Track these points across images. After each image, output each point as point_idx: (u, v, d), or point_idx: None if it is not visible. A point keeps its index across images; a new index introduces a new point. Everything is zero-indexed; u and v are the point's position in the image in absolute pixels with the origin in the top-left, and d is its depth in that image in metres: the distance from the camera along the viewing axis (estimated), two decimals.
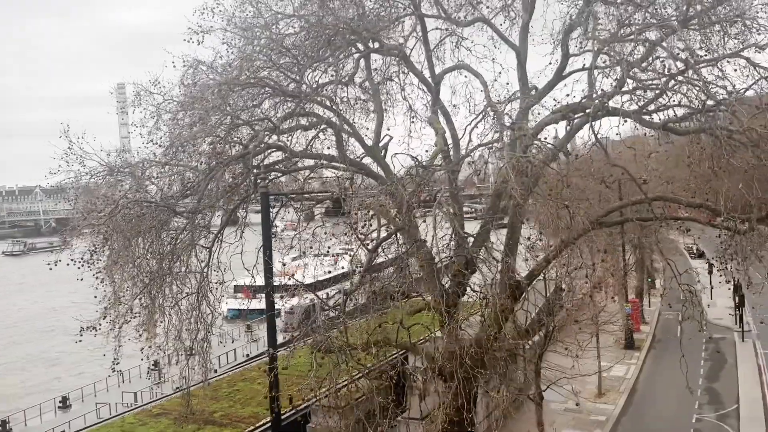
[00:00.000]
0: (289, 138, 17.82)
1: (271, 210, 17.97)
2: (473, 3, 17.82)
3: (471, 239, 16.30)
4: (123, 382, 34.59)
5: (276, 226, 20.00)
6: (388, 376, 15.74)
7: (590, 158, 16.36)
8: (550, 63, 17.21)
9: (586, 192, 17.81)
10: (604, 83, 16.11)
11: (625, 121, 15.41)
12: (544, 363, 26.64)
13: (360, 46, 18.12)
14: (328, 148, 17.39)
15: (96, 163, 16.42)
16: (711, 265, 38.89)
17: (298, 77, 16.81)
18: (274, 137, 17.05)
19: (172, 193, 16.62)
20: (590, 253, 16.72)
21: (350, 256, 16.20)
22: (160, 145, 16.19)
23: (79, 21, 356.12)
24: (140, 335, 16.13)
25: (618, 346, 40.55)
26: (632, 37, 16.14)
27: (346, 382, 15.43)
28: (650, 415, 31.52)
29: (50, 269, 15.33)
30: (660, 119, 16.01)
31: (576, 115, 16.35)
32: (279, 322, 32.26)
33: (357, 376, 15.53)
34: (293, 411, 23.82)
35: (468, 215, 19.35)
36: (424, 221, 14.08)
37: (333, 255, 17.93)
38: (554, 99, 16.91)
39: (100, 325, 15.72)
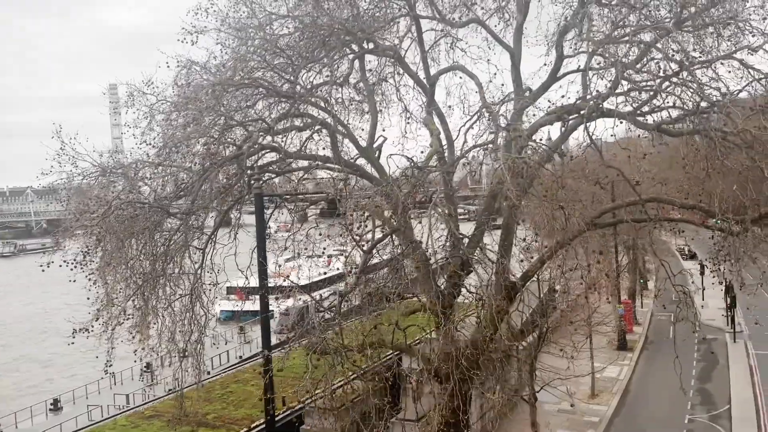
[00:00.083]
0: (284, 139, 17.76)
1: (265, 211, 17.91)
2: (468, 4, 17.81)
3: (466, 240, 16.27)
4: (115, 384, 34.44)
5: (269, 227, 19.94)
6: (384, 378, 15.69)
7: (585, 159, 16.36)
8: (546, 64, 17.23)
9: (579, 193, 17.85)
10: (598, 84, 16.13)
11: (621, 122, 15.42)
12: (538, 364, 26.70)
13: (354, 47, 18.08)
14: (324, 148, 17.34)
15: (88, 163, 16.34)
16: (703, 266, 39.18)
17: (292, 78, 16.76)
18: (269, 138, 16.98)
19: (165, 194, 16.52)
20: (585, 254, 16.74)
21: (345, 257, 16.12)
22: (153, 146, 16.09)
23: (79, 21, 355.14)
24: (133, 337, 16.03)
25: (611, 347, 40.74)
26: (627, 38, 16.16)
27: (341, 384, 15.38)
28: (643, 415, 31.65)
29: (43, 271, 15.22)
30: (654, 121, 16.04)
31: (570, 117, 16.36)
32: (272, 324, 32.21)
33: (352, 377, 15.49)
34: (288, 412, 23.76)
35: (461, 216, 19.34)
36: (420, 222, 14.04)
37: (328, 256, 17.87)
38: (549, 100, 16.94)
39: (92, 327, 15.61)
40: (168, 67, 16.44)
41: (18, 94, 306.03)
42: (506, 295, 15.60)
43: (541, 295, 27.49)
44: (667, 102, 15.48)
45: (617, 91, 15.63)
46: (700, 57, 15.01)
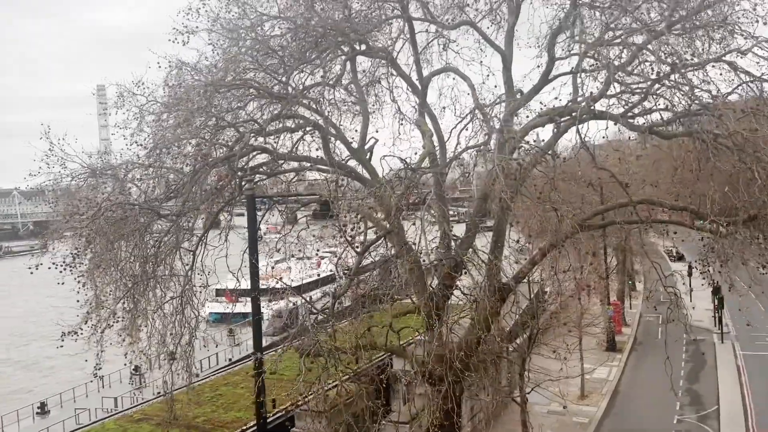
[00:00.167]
0: (275, 140, 17.69)
1: (257, 213, 17.82)
2: (460, 6, 17.83)
3: (458, 242, 16.28)
4: (103, 387, 34.11)
5: (259, 229, 19.84)
6: (377, 380, 15.65)
7: (577, 161, 16.40)
8: (539, 66, 17.25)
9: (568, 195, 17.91)
10: (590, 86, 16.18)
11: (615, 125, 15.48)
12: (528, 365, 26.71)
13: (345, 49, 18.04)
14: (317, 149, 17.27)
15: (77, 165, 16.19)
16: (691, 268, 39.49)
17: (284, 79, 16.69)
18: (260, 139, 16.90)
19: (155, 195, 16.41)
20: (578, 255, 16.79)
21: (337, 258, 16.07)
22: (144, 147, 15.96)
23: (79, 22, 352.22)
24: (123, 340, 15.90)
25: (600, 349, 40.89)
26: (618, 41, 16.24)
27: (332, 386, 15.31)
28: (632, 416, 31.77)
29: (31, 273, 15.04)
30: (645, 122, 16.12)
31: (562, 119, 16.41)
32: (263, 326, 32.05)
33: (344, 379, 15.42)
34: (279, 415, 23.65)
35: (451, 218, 19.36)
36: (414, 224, 14.02)
37: (320, 257, 17.82)
38: (541, 102, 16.98)
39: (81, 330, 15.46)
40: (159, 67, 16.33)
41: (18, 94, 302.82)
42: (500, 296, 15.61)
43: (532, 297, 27.55)
44: (659, 104, 15.56)
45: (609, 93, 15.68)
46: (691, 60, 15.08)
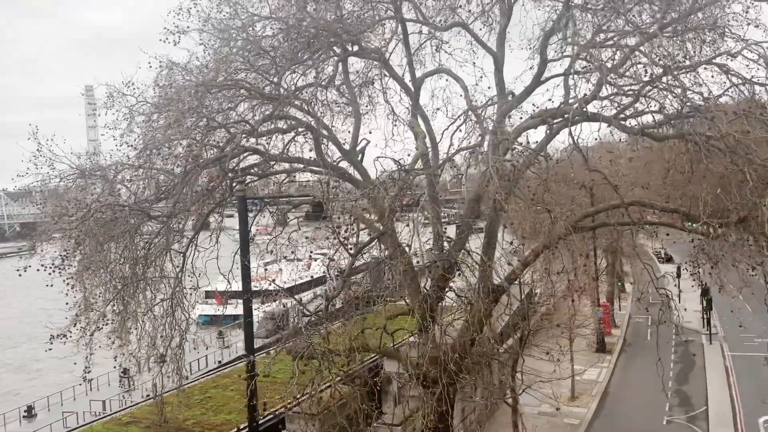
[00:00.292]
0: (268, 141, 17.59)
1: (249, 215, 17.71)
2: (453, 7, 17.82)
3: (451, 243, 16.26)
4: (91, 389, 33.78)
5: (249, 231, 19.71)
6: (372, 382, 15.58)
7: (570, 163, 16.44)
8: (532, 68, 17.29)
9: (559, 196, 17.91)
10: (582, 88, 16.22)
11: (608, 127, 15.52)
12: (519, 367, 26.73)
13: (337, 50, 17.99)
14: (310, 150, 17.19)
15: (66, 165, 16.02)
16: (680, 269, 39.75)
17: (275, 80, 16.60)
18: (252, 140, 16.81)
19: (146, 196, 16.27)
20: (572, 257, 16.81)
21: (329, 259, 15.98)
22: (134, 147, 15.81)
23: (79, 22, 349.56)
24: (113, 342, 15.75)
25: (590, 350, 41.03)
26: (610, 43, 16.29)
27: (326, 386, 15.23)
28: (622, 417, 31.90)
29: (20, 275, 14.85)
30: (638, 124, 16.17)
31: (555, 120, 16.43)
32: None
33: (336, 381, 15.34)
34: (269, 417, 23.51)
35: (442, 220, 19.36)
36: (407, 225, 13.98)
37: (313, 258, 17.73)
38: (533, 104, 16.99)
39: (70, 332, 15.29)
40: (150, 67, 16.19)
41: (18, 94, 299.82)
42: (494, 298, 15.60)
43: (523, 298, 27.58)
44: (652, 106, 15.62)
45: (601, 95, 15.73)
46: (682, 62, 15.15)
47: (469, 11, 17.83)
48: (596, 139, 15.53)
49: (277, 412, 23.33)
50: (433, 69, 18.57)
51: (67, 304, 15.39)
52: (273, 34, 17.03)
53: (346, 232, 13.87)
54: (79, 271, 15.46)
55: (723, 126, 13.48)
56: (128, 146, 15.80)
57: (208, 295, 46.89)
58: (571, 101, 16.73)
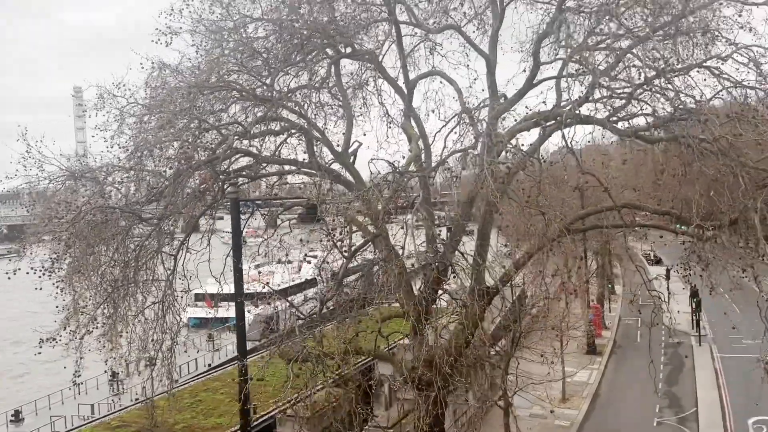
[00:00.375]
0: (260, 143, 17.52)
1: (242, 217, 17.62)
2: (445, 10, 17.83)
3: (442, 246, 16.25)
4: (79, 393, 33.48)
5: (241, 233, 19.61)
6: (366, 385, 15.52)
7: (564, 165, 16.49)
8: (525, 70, 17.31)
9: (550, 198, 17.94)
10: (576, 91, 16.27)
11: (600, 130, 15.56)
12: (511, 369, 26.74)
13: (330, 52, 17.95)
14: (304, 152, 17.13)
15: (55, 167, 15.86)
16: (669, 272, 39.93)
17: (268, 81, 16.54)
18: (245, 142, 16.73)
19: (136, 198, 16.14)
20: (566, 259, 16.82)
21: (321, 261, 15.92)
22: (125, 149, 15.68)
23: (79, 22, 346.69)
24: (103, 346, 15.62)
25: (581, 352, 41.12)
26: (603, 45, 16.35)
27: (319, 388, 15.15)
28: (613, 419, 31.98)
29: (9, 278, 14.67)
30: (629, 127, 16.24)
31: (548, 123, 16.46)
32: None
33: (331, 383, 15.27)
34: (260, 420, 23.40)
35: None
36: (402, 227, 13.95)
37: (306, 260, 17.67)
38: (526, 107, 17.03)
39: (60, 336, 15.14)
40: (142, 68, 16.08)
41: (18, 94, 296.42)
42: (489, 300, 15.60)
43: (514, 299, 27.59)
44: (645, 109, 15.68)
45: (594, 97, 15.78)
46: (677, 64, 15.22)
47: (464, 14, 17.83)
48: (589, 141, 15.56)
49: (269, 414, 23.23)
50: (426, 71, 18.57)
51: (57, 307, 15.23)
52: (265, 36, 16.97)
53: (340, 234, 13.81)
54: (69, 274, 15.31)
55: (716, 129, 13.55)
56: (119, 148, 15.65)
57: (198, 297, 46.68)
58: (563, 104, 16.79)
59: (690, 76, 15.15)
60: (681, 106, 14.67)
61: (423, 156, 17.95)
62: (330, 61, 17.91)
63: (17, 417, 32.70)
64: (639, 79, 15.32)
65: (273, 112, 16.60)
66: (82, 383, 32.15)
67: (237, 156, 17.51)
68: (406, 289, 15.31)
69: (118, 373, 31.70)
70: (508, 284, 21.10)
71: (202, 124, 15.90)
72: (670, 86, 14.78)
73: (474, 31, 18.22)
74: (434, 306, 15.97)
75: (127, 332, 16.10)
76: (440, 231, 16.69)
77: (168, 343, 16.71)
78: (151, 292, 16.48)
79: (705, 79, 15.07)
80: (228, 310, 33.62)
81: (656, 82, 15.22)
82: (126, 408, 28.76)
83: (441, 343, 14.58)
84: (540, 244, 14.64)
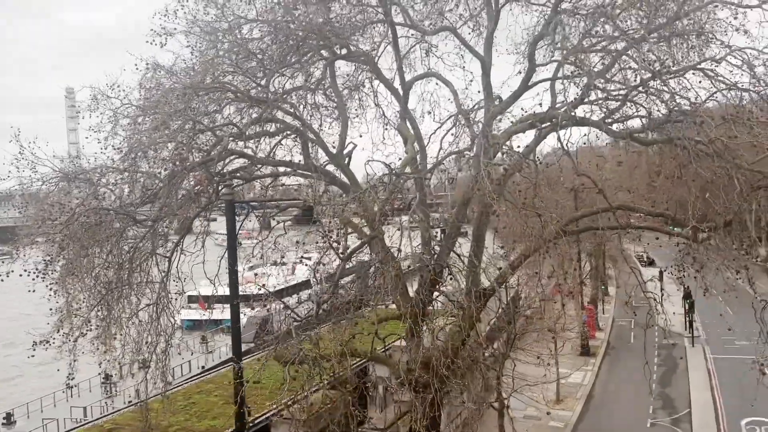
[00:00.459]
0: (255, 144, 17.48)
1: (237, 219, 17.56)
2: (441, 11, 17.83)
3: (439, 247, 16.25)
4: (72, 396, 33.28)
5: (237, 235, 19.55)
6: (361, 387, 15.48)
7: (559, 167, 16.52)
8: (520, 72, 17.32)
9: (545, 200, 17.97)
10: (571, 93, 16.28)
11: (596, 131, 15.59)
12: (505, 370, 26.75)
13: (325, 53, 17.92)
14: (299, 153, 17.10)
15: (48, 169, 15.77)
16: (662, 273, 40.11)
17: (263, 82, 16.49)
18: (240, 143, 16.68)
19: (131, 200, 16.06)
20: (562, 260, 16.84)
21: (317, 263, 15.85)
22: (119, 150, 15.60)
23: (79, 22, 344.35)
24: (97, 348, 15.53)
25: (574, 353, 41.20)
26: (598, 47, 16.38)
27: (315, 390, 15.09)
28: (607, 420, 32.06)
29: (2, 281, 14.57)
30: (624, 129, 16.27)
31: (543, 125, 16.48)
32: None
33: (324, 386, 15.22)
34: (253, 423, 23.29)
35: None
36: (398, 229, 13.93)
37: (301, 261, 17.60)
38: (522, 108, 17.04)
39: (54, 339, 15.03)
40: (137, 69, 16.01)
41: (18, 93, 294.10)
42: (485, 302, 15.59)
43: (508, 301, 27.61)
44: (640, 111, 15.71)
45: (590, 99, 15.80)
46: (670, 67, 15.25)
47: (459, 15, 17.83)
48: (584, 143, 15.58)
49: (262, 418, 23.12)
50: (422, 73, 18.57)
51: (51, 309, 15.13)
52: (260, 37, 16.92)
53: (337, 236, 13.78)
54: (62, 276, 15.22)
55: (711, 131, 13.59)
56: (114, 149, 15.57)
57: (191, 299, 46.50)
58: (558, 105, 16.80)
59: (685, 78, 15.17)
60: (676, 108, 14.69)
61: (419, 158, 17.95)
62: (325, 62, 17.88)
63: (9, 420, 32.48)
64: (634, 81, 15.33)
65: (268, 113, 16.54)
66: (75, 386, 32.02)
67: (232, 157, 17.46)
68: (402, 291, 15.29)
69: (111, 376, 31.54)
70: (503, 286, 21.14)
71: (196, 126, 15.84)
72: (665, 88, 14.80)
73: (469, 33, 18.25)
74: (430, 308, 15.95)
75: (121, 335, 16.00)
76: (435, 233, 16.64)
77: (162, 345, 16.62)
78: (145, 294, 16.39)
79: (700, 81, 15.10)
80: (223, 312, 33.45)
81: (651, 83, 15.25)
82: (119, 410, 28.53)
83: (437, 345, 14.56)
84: (536, 246, 14.64)
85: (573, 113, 15.46)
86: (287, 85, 17.53)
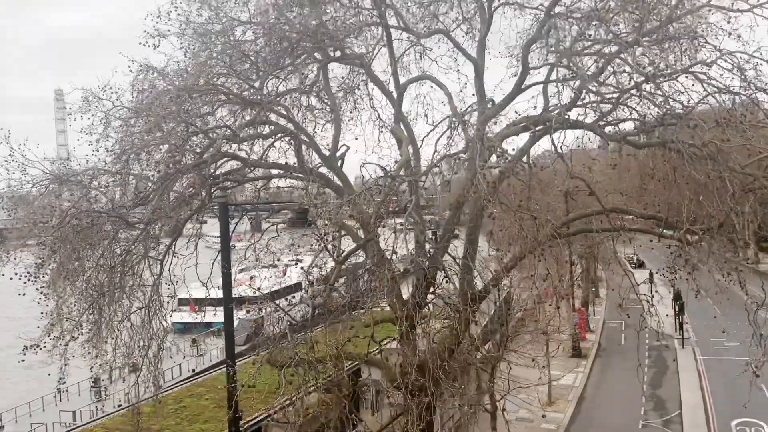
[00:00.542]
0: (249, 146, 17.40)
1: (230, 222, 17.49)
2: (435, 14, 17.86)
3: (433, 250, 16.24)
4: (61, 400, 32.99)
5: (230, 238, 19.46)
6: (356, 390, 15.42)
7: (553, 170, 16.56)
8: (515, 74, 17.37)
9: (538, 202, 18.01)
10: (565, 96, 16.34)
11: (587, 134, 15.64)
12: (498, 372, 26.77)
13: (318, 56, 17.88)
14: (293, 156, 17.04)
15: (39, 171, 15.63)
16: (652, 275, 40.32)
17: (257, 84, 16.43)
18: (234, 146, 16.60)
19: (123, 202, 15.94)
20: (556, 262, 16.86)
21: (310, 266, 15.80)
22: (112, 152, 15.49)
23: (80, 22, 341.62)
24: (88, 352, 15.39)
25: (566, 355, 41.30)
26: (592, 50, 16.43)
27: (310, 391, 15.04)
28: (598, 422, 32.13)
29: None
30: (618, 131, 16.34)
31: (537, 127, 16.52)
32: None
33: (318, 389, 15.15)
34: (246, 427, 23.18)
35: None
36: (394, 232, 13.91)
37: (295, 263, 17.54)
38: (515, 111, 17.07)
39: (44, 342, 14.89)
40: (130, 71, 15.90)
41: (18, 93, 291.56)
42: (479, 304, 15.59)
43: (500, 302, 27.65)
44: (633, 114, 15.78)
45: (583, 102, 15.85)
46: (666, 70, 15.33)
47: (455, 18, 17.86)
48: (578, 146, 15.64)
49: (254, 422, 23.01)
50: (416, 76, 18.59)
51: (42, 313, 14.98)
52: (254, 39, 16.87)
53: (333, 239, 13.73)
54: (53, 279, 15.08)
55: (705, 134, 13.67)
56: (107, 151, 15.46)
57: (181, 302, 46.28)
58: (551, 108, 16.85)
59: (678, 81, 15.25)
60: (669, 111, 14.76)
61: (412, 161, 17.94)
62: (318, 65, 17.85)
63: None
64: (628, 83, 15.40)
65: (262, 115, 16.49)
66: (65, 390, 31.76)
67: (224, 160, 17.39)
68: (397, 293, 15.26)
69: (100, 380, 31.32)
70: (496, 288, 21.17)
71: (189, 128, 15.75)
72: (659, 91, 14.86)
73: (463, 36, 18.29)
74: (429, 310, 15.93)
75: (112, 338, 15.88)
76: (428, 235, 16.64)
77: (154, 349, 16.50)
78: (137, 298, 16.28)
79: (693, 85, 15.18)
80: (215, 315, 33.33)
81: (645, 87, 15.32)
82: (109, 414, 28.30)
83: (432, 348, 14.53)
84: (531, 248, 14.66)
85: (567, 116, 15.49)
86: (281, 88, 17.49)
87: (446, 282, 14.69)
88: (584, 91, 15.84)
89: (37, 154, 15.50)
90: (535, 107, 16.59)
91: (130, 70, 15.96)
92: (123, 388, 20.27)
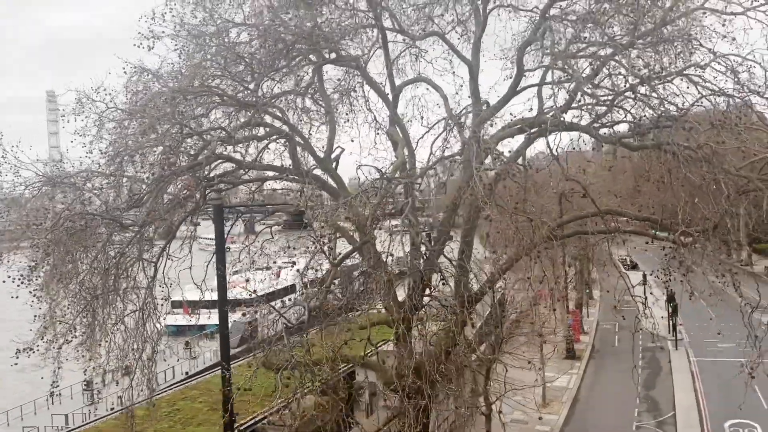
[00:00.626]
0: (244, 148, 17.35)
1: (225, 224, 17.43)
2: (430, 17, 17.87)
3: (429, 252, 16.21)
4: (53, 403, 32.76)
5: (225, 240, 19.39)
6: (353, 393, 15.38)
7: (549, 172, 16.59)
8: (510, 77, 17.38)
9: (533, 204, 18.02)
10: (560, 98, 16.35)
11: (581, 136, 15.67)
12: (493, 374, 26.76)
13: (313, 58, 17.86)
14: (288, 158, 17.00)
15: (32, 173, 15.51)
16: (645, 277, 40.43)
17: (252, 86, 16.39)
18: (228, 147, 16.55)
19: (117, 205, 15.85)
20: (552, 264, 16.87)
21: (305, 268, 15.74)
22: (107, 154, 15.40)
23: (82, 22, 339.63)
24: (82, 355, 15.30)
25: (560, 357, 41.35)
26: (586, 53, 16.47)
27: (307, 393, 14.99)
28: (592, 423, 32.17)
29: None
30: (613, 133, 16.38)
31: (532, 129, 16.54)
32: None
33: (317, 392, 15.09)
34: (240, 429, 23.10)
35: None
36: (390, 234, 13.89)
37: (290, 264, 17.49)
38: (511, 113, 17.10)
39: (37, 346, 14.79)
40: (125, 72, 15.81)
41: (18, 93, 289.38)
42: (474, 306, 15.58)
43: (494, 303, 27.62)
44: (627, 116, 15.82)
45: (578, 104, 15.88)
46: (658, 73, 15.37)
47: (450, 20, 17.88)
48: (573, 148, 15.67)
49: (248, 424, 22.93)
50: (411, 78, 18.59)
51: (35, 316, 14.87)
52: (249, 40, 16.83)
53: (330, 241, 13.70)
54: (46, 282, 14.97)
55: (700, 136, 13.71)
56: (100, 153, 15.35)
57: (174, 305, 46.05)
58: (546, 111, 16.88)
59: (673, 83, 15.30)
60: (664, 114, 14.81)
61: (408, 163, 17.94)
62: (314, 66, 17.82)
63: None
64: (623, 86, 15.44)
65: (257, 117, 16.44)
66: (58, 393, 31.55)
67: (219, 162, 17.33)
68: (393, 295, 15.24)
69: (93, 382, 31.10)
70: (491, 289, 21.15)
71: (184, 130, 15.68)
72: (654, 94, 14.91)
73: (458, 39, 18.31)
74: (426, 312, 15.90)
75: (106, 341, 15.79)
76: (423, 236, 16.60)
77: (148, 351, 16.42)
78: (132, 300, 16.19)
79: (687, 87, 15.23)
80: (209, 318, 33.16)
81: (639, 89, 15.36)
82: (102, 417, 28.17)
83: (429, 350, 14.50)
84: (527, 250, 14.67)
85: (562, 118, 15.52)
86: (276, 89, 17.46)
87: (442, 284, 14.67)
88: (579, 93, 15.89)
89: (30, 156, 15.41)
90: (531, 109, 16.64)
91: (125, 72, 15.89)
92: (116, 391, 20.13)
